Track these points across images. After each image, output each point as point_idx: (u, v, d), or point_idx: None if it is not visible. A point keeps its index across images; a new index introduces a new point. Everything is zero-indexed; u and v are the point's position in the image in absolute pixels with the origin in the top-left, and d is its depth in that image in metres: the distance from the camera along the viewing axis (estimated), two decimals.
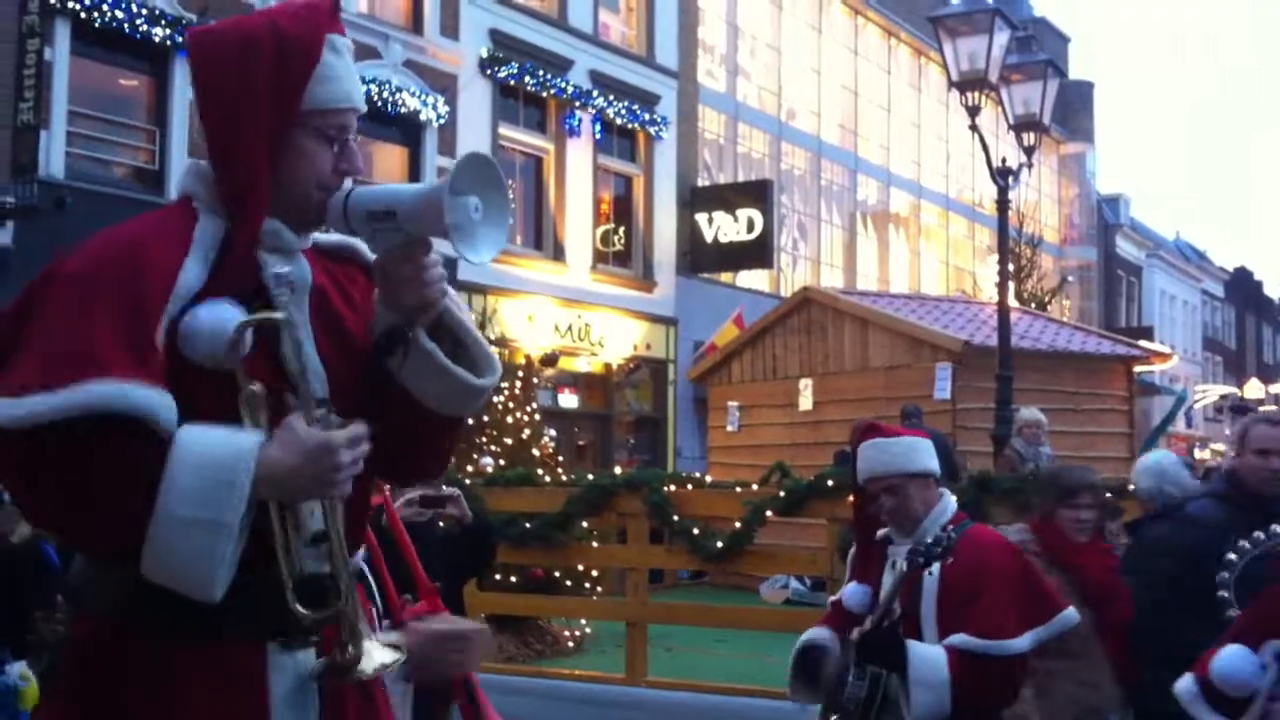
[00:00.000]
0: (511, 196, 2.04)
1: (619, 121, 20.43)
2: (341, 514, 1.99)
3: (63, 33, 13.33)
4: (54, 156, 13.30)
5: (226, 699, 1.91)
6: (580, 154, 19.96)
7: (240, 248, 1.99)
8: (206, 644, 1.91)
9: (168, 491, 1.80)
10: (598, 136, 20.13)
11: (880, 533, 3.97)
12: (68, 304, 1.86)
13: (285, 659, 1.96)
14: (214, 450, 1.83)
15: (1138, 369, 16.48)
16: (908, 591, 3.73)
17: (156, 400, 1.82)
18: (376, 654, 1.95)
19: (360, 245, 2.19)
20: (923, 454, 3.93)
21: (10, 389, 1.79)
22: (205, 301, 1.92)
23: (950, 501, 3.96)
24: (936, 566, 3.64)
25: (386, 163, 17.32)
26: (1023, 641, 3.64)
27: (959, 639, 3.60)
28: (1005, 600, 3.66)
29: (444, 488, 4.71)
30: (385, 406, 2.05)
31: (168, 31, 13.96)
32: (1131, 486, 5.57)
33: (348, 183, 2.06)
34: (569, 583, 10.08)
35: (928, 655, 3.59)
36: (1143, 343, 19.28)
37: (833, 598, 4.24)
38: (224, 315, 1.91)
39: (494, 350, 2.18)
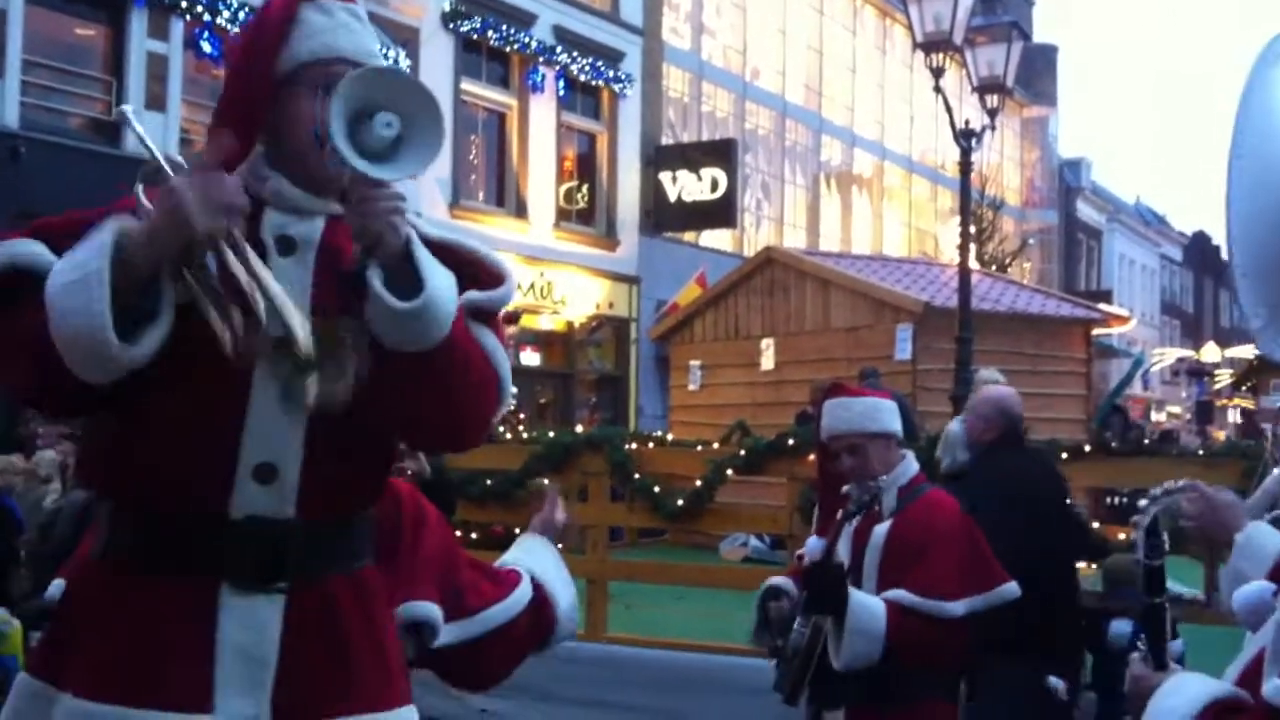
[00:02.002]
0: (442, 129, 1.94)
1: (583, 78, 20.31)
2: (258, 261, 1.93)
3: None
4: (8, 106, 13.08)
5: (176, 626, 1.93)
6: (544, 110, 19.84)
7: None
8: (160, 578, 1.95)
9: (52, 276, 1.86)
10: (561, 93, 20.01)
11: (844, 489, 4.01)
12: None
13: (237, 600, 1.95)
14: (89, 236, 1.88)
15: (1096, 332, 16.64)
16: (858, 543, 3.79)
17: (32, 245, 1.93)
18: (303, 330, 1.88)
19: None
20: (885, 414, 3.96)
21: None
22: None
23: (910, 463, 3.99)
24: (887, 524, 3.73)
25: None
26: (958, 607, 3.67)
27: (898, 593, 3.65)
28: (949, 564, 3.71)
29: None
30: (383, 363, 1.96)
31: None
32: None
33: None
34: None
35: (868, 604, 3.63)
36: (1101, 306, 19.47)
37: (799, 552, 4.28)
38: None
39: (448, 285, 1.98)
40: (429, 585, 2.83)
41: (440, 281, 1.94)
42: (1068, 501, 5.70)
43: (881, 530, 3.78)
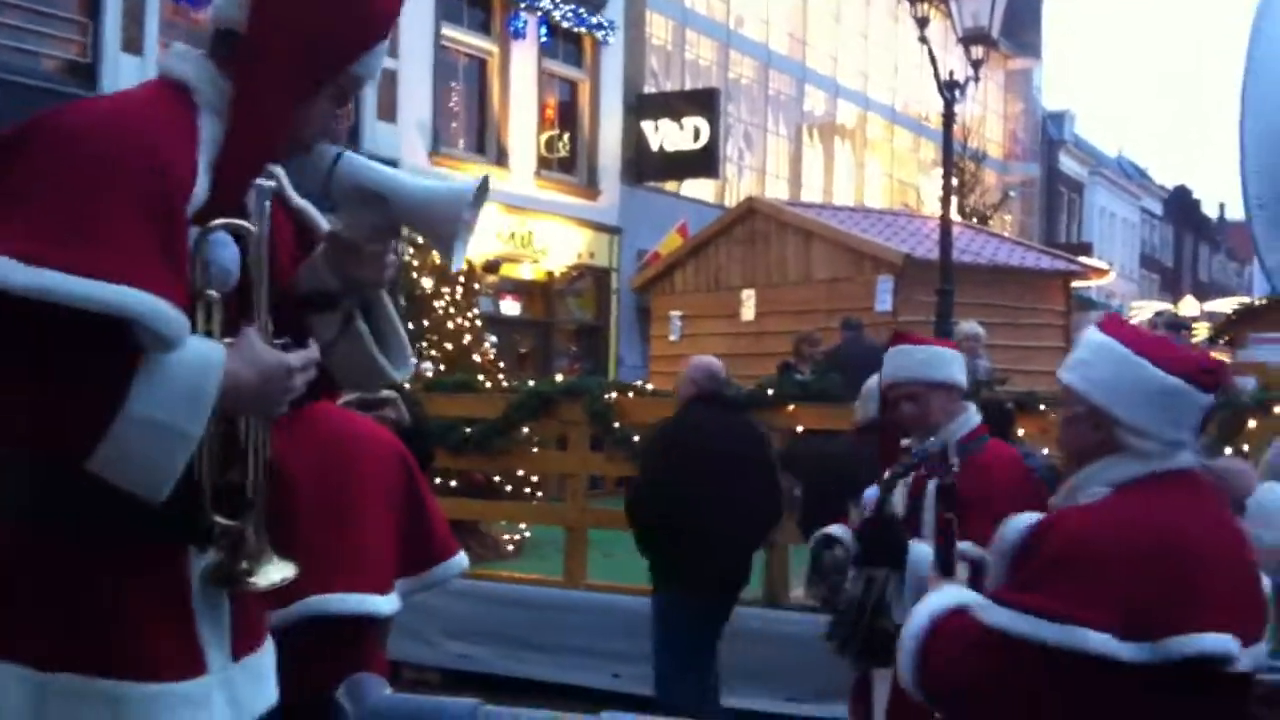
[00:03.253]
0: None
1: (565, 25, 20.11)
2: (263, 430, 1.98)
3: None
4: None
5: (152, 596, 1.90)
6: (525, 57, 19.65)
7: (234, 174, 1.93)
8: (130, 544, 1.89)
9: (139, 392, 1.75)
10: (543, 39, 19.82)
11: (904, 442, 3.92)
12: (82, 175, 1.75)
13: (199, 561, 1.97)
14: (186, 357, 1.79)
15: (1075, 284, 16.67)
16: (914, 494, 3.73)
17: (181, 325, 1.77)
18: (272, 570, 1.96)
19: (286, 184, 2.13)
20: (946, 364, 3.87)
21: (11, 250, 1.66)
22: (216, 234, 1.88)
23: (972, 415, 3.90)
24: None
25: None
26: None
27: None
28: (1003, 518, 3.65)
29: (382, 391, 4.67)
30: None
31: None
32: None
33: (331, 145, 2.04)
34: (509, 488, 10.12)
35: (927, 554, 3.54)
36: (1081, 259, 19.48)
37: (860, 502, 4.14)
38: (234, 254, 1.91)
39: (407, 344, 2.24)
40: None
41: (407, 344, 2.21)
42: (762, 450, 6.28)
43: (936, 483, 3.69)
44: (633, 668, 6.63)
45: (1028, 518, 2.43)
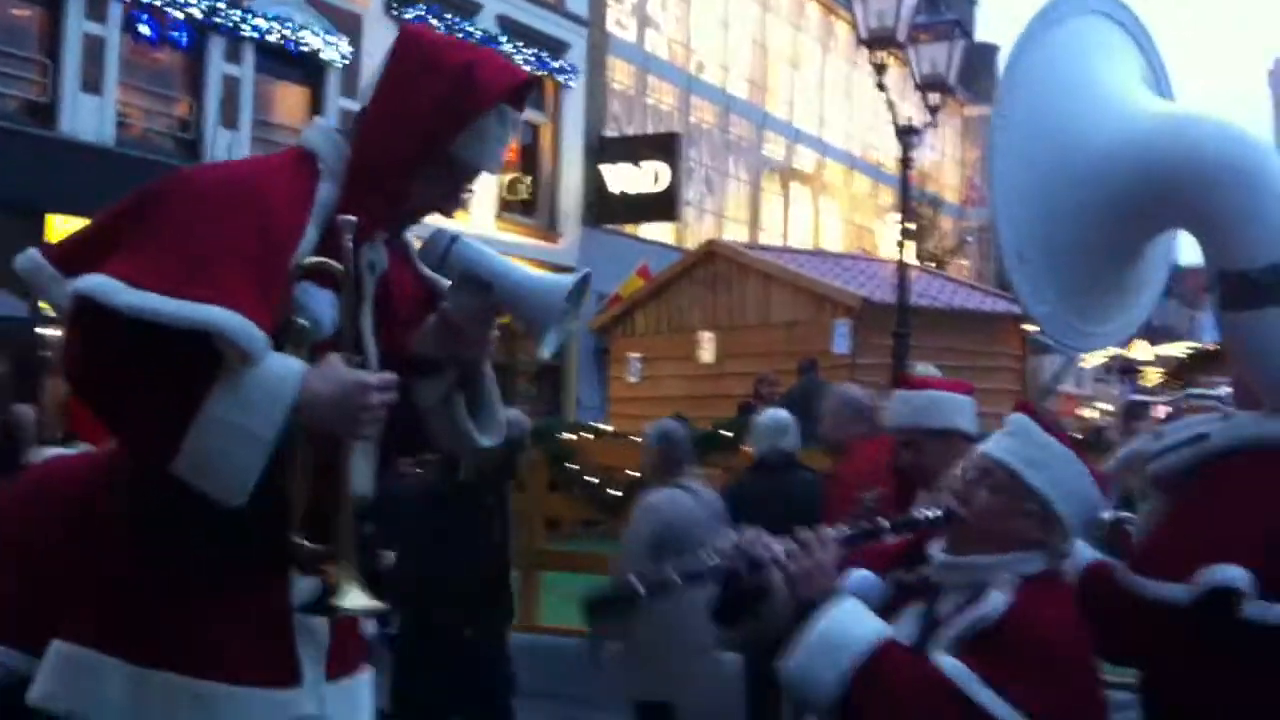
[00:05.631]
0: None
1: (527, 68, 20.18)
2: (351, 457, 2.09)
3: None
4: None
5: (250, 610, 2.05)
6: None
7: (344, 237, 2.10)
8: (229, 561, 2.03)
9: (218, 395, 1.93)
10: None
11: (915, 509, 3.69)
12: (198, 221, 1.99)
13: (301, 580, 2.09)
14: (266, 367, 1.95)
15: (1030, 328, 16.83)
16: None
17: (263, 344, 1.95)
18: (358, 597, 2.03)
19: (414, 251, 2.35)
20: (946, 410, 3.64)
21: (125, 275, 1.91)
22: (309, 283, 2.09)
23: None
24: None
25: (288, 101, 16.98)
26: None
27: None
28: None
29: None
30: (395, 410, 2.16)
31: None
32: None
33: (448, 227, 2.25)
34: None
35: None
36: None
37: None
38: (327, 302, 2.10)
39: (505, 419, 2.43)
40: None
41: (502, 416, 2.40)
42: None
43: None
44: (587, 713, 6.59)
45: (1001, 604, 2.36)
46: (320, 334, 2.08)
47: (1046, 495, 2.38)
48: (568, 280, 2.19)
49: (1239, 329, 2.29)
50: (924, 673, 2.26)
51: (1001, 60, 3.21)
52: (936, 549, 2.50)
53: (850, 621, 2.30)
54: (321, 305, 2.09)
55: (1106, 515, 2.55)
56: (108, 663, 2.03)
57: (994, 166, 2.46)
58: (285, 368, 1.98)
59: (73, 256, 2.07)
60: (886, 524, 2.55)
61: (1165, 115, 2.46)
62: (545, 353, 2.20)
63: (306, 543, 2.03)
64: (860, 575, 2.43)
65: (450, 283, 2.24)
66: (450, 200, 2.25)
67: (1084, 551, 2.36)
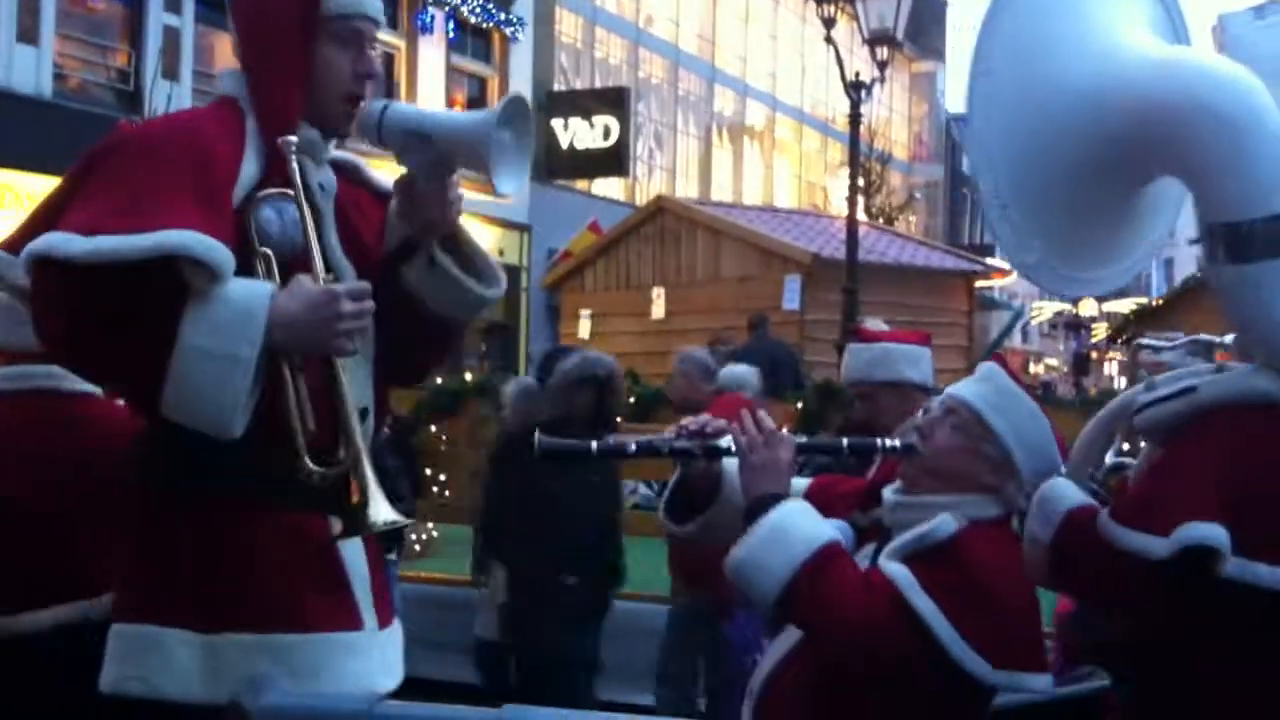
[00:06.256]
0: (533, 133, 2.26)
1: (473, 20, 19.99)
2: (349, 379, 2.11)
3: None
4: None
5: (300, 557, 2.08)
6: (433, 53, 19.50)
7: (289, 161, 2.13)
8: (277, 510, 2.07)
9: (189, 324, 1.93)
10: (451, 35, 19.68)
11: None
12: (136, 166, 2.02)
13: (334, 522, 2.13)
14: (232, 290, 1.96)
15: (979, 284, 16.96)
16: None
17: (227, 256, 1.95)
18: (383, 508, 2.04)
19: (363, 166, 2.40)
20: (898, 361, 3.62)
21: (74, 227, 1.92)
22: (270, 200, 2.11)
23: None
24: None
25: (230, 52, 16.66)
26: None
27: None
28: None
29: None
30: (395, 314, 2.21)
31: None
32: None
33: (378, 99, 2.26)
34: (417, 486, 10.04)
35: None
36: (985, 259, 19.81)
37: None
38: (280, 219, 2.12)
39: (498, 264, 2.39)
40: None
41: (495, 262, 2.35)
42: None
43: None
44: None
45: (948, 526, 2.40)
46: (286, 252, 2.09)
47: (1006, 440, 2.44)
48: (495, 107, 2.15)
49: (1232, 282, 2.23)
50: (868, 574, 2.35)
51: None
52: (890, 491, 2.55)
53: (802, 518, 2.38)
54: (284, 230, 2.11)
55: (1108, 460, 2.57)
56: (171, 634, 2.03)
57: (974, 113, 2.39)
58: (252, 287, 2.00)
59: (22, 239, 2.08)
60: (844, 441, 2.69)
61: (1156, 58, 2.37)
62: (503, 190, 2.16)
63: (315, 466, 2.04)
64: (836, 524, 2.47)
65: (394, 152, 2.23)
66: (361, 66, 2.24)
67: (1071, 493, 2.34)
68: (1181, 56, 2.41)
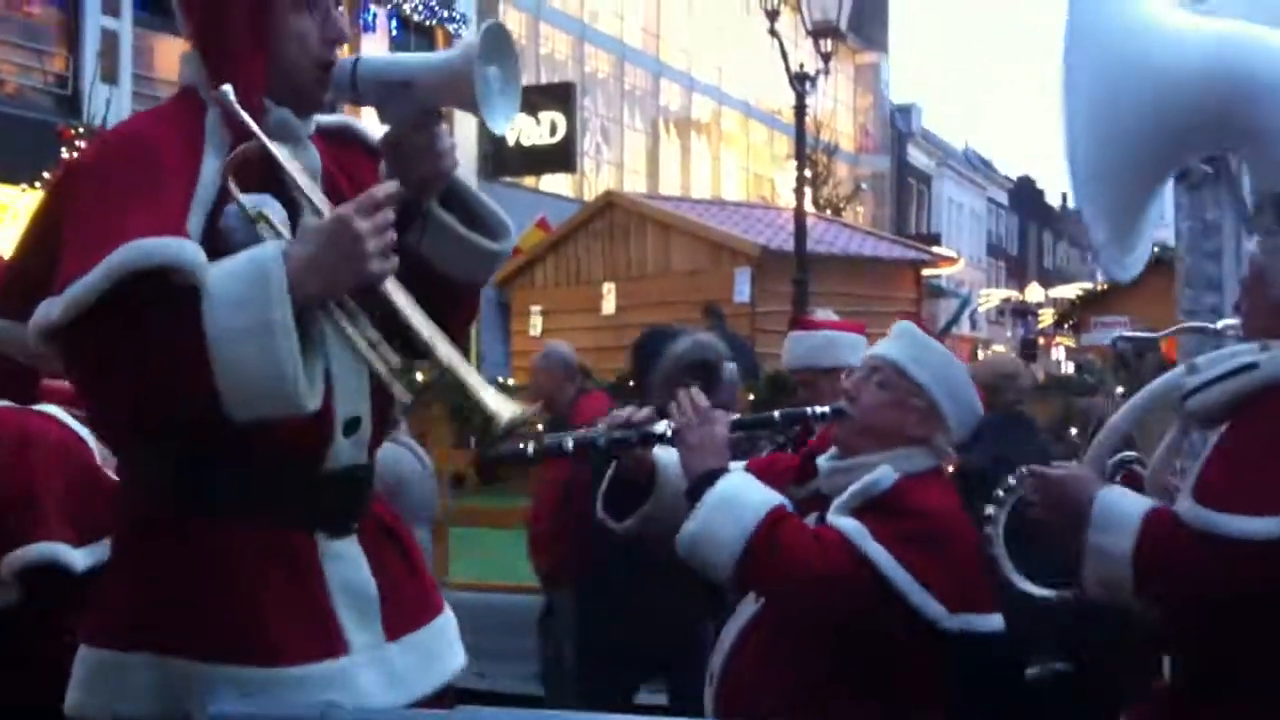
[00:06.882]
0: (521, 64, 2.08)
1: (416, 18, 19.89)
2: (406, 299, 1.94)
3: None
4: None
5: (279, 584, 1.94)
6: (376, 50, 19.36)
7: (239, 130, 1.94)
8: (259, 528, 1.93)
9: (210, 312, 1.76)
10: (394, 33, 19.57)
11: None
12: (82, 196, 1.89)
13: (331, 544, 2.00)
14: (238, 262, 1.81)
15: (926, 273, 17.13)
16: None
17: (175, 245, 1.78)
18: (503, 402, 1.91)
19: (359, 126, 2.21)
20: (840, 349, 3.78)
21: (58, 287, 1.80)
22: (227, 210, 1.92)
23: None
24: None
25: (170, 55, 16.48)
26: None
27: None
28: None
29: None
30: (405, 285, 2.01)
31: None
32: None
33: (347, 54, 2.07)
34: None
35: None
36: (931, 248, 19.99)
37: None
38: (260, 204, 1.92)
39: (502, 214, 2.23)
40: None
41: (500, 213, 2.20)
42: None
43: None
44: (497, 665, 6.58)
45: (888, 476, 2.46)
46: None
47: (930, 390, 2.55)
48: (476, 36, 1.97)
49: None
50: (820, 530, 2.43)
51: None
52: (824, 459, 2.64)
53: (747, 486, 2.44)
54: (236, 227, 1.95)
55: (1113, 459, 2.58)
56: (134, 659, 1.92)
57: (1068, 93, 2.49)
58: (256, 252, 1.83)
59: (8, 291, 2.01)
60: (775, 414, 2.79)
61: (1215, 33, 2.45)
62: (494, 127, 2.00)
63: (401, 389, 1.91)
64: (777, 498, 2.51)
65: (373, 107, 2.07)
66: (330, 31, 2.04)
67: (1131, 499, 2.28)
68: (1242, 31, 2.49)
